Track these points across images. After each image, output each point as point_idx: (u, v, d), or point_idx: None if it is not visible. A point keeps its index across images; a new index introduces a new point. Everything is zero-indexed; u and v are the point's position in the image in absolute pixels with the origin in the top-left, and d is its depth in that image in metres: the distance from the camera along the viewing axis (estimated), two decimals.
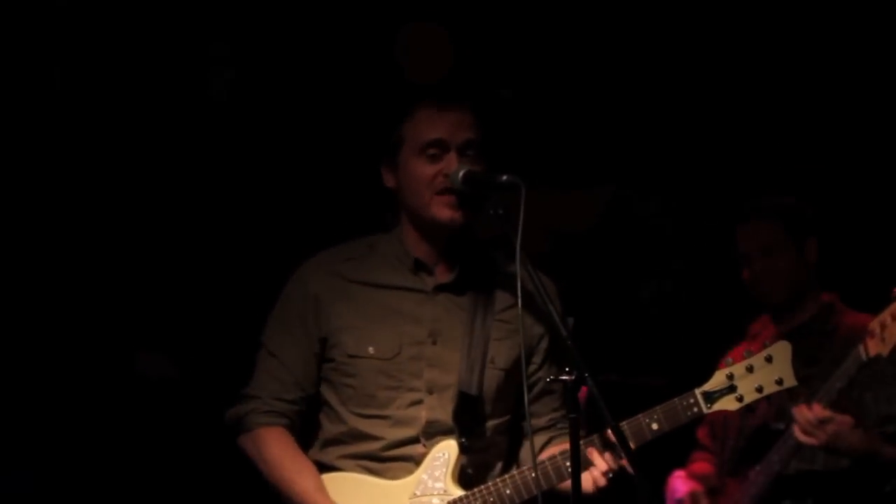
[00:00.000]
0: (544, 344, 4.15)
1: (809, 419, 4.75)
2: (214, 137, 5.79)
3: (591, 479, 3.88)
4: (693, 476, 5.35)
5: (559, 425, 4.15)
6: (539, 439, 4.14)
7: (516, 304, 3.87)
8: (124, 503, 5.70)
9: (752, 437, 5.15)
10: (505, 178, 3.85)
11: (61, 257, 5.65)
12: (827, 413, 4.75)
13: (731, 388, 3.82)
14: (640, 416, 3.90)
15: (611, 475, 3.88)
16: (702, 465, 5.40)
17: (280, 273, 4.27)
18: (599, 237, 6.22)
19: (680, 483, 5.31)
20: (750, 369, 3.82)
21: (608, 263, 6.23)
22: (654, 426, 3.89)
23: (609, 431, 3.81)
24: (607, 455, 3.87)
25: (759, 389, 3.82)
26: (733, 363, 3.85)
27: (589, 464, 3.90)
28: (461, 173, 3.94)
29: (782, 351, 3.83)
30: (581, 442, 3.71)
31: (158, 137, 5.72)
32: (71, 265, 5.66)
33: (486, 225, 3.98)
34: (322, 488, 4.04)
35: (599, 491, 3.89)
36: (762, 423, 5.11)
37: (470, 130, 4.07)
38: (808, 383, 4.94)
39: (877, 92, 5.91)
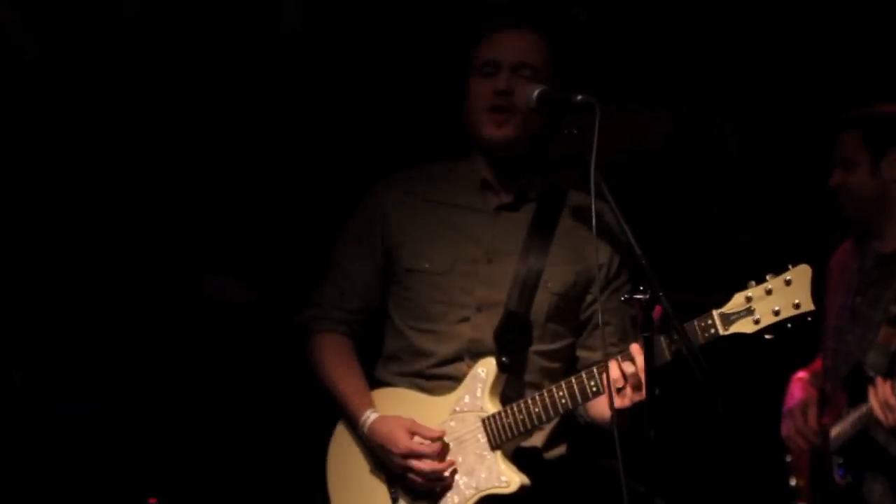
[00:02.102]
0: (603, 274, 4.14)
1: (882, 398, 4.65)
2: (289, 66, 5.83)
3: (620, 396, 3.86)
4: (813, 377, 5.17)
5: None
6: None
7: (580, 230, 4.01)
8: (194, 426, 5.81)
9: (841, 360, 5.01)
10: (580, 97, 3.85)
11: (136, 178, 5.73)
12: (893, 400, 4.64)
13: (749, 311, 3.78)
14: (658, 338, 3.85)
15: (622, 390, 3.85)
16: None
17: (353, 196, 4.35)
18: (669, 156, 6.19)
19: (797, 389, 5.15)
20: (769, 292, 3.77)
21: (678, 182, 6.20)
22: (672, 346, 3.84)
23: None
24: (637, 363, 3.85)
25: (776, 313, 3.76)
26: (755, 286, 3.81)
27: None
28: (536, 93, 3.95)
29: (802, 275, 3.76)
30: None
31: (235, 65, 5.76)
32: (145, 187, 5.74)
33: (559, 144, 4.00)
34: (362, 391, 4.16)
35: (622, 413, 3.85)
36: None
37: (527, 53, 4.10)
38: None
39: None
